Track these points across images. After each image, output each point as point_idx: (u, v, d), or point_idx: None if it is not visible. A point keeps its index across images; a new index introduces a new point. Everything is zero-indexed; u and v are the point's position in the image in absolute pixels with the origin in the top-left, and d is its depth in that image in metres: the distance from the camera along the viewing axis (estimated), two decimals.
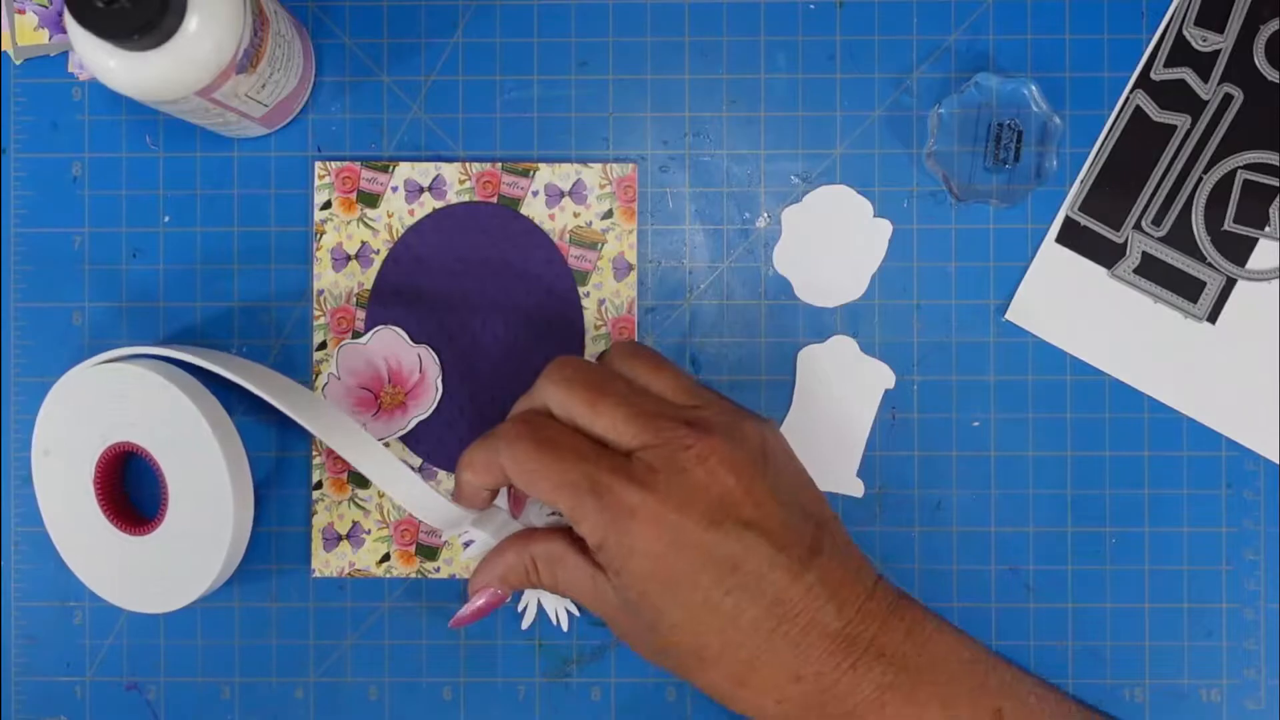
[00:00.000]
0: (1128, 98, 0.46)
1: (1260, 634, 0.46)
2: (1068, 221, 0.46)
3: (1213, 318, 0.46)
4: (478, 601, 0.43)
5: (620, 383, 0.40)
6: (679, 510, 0.38)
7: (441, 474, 0.46)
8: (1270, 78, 0.46)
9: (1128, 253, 0.46)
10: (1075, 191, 0.46)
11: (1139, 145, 0.46)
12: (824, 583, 0.39)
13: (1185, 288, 0.46)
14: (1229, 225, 0.46)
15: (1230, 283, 0.46)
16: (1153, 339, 0.46)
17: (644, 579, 0.38)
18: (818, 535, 0.39)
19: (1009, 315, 0.46)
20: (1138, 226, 0.46)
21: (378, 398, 0.46)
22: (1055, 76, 0.46)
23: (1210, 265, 0.46)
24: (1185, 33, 0.46)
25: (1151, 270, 0.46)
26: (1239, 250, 0.46)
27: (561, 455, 0.39)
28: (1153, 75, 0.46)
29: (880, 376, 0.46)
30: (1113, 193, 0.46)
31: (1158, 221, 0.46)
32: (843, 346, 0.46)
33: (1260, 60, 0.46)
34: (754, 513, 0.38)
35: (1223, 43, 0.46)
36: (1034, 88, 0.45)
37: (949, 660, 0.40)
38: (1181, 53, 0.46)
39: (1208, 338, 0.46)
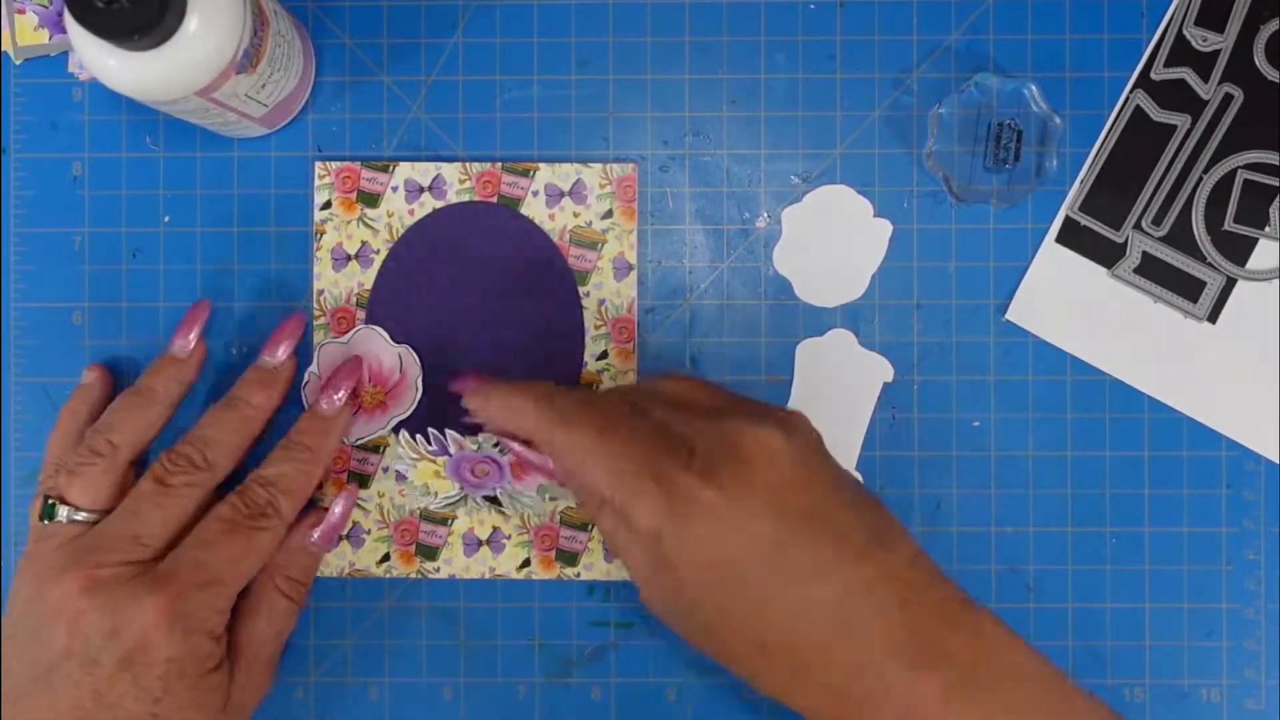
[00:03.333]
0: (1128, 97, 0.46)
1: (1260, 634, 0.46)
2: (1068, 221, 0.46)
3: (1213, 318, 0.46)
4: (541, 462, 0.43)
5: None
6: (741, 502, 0.37)
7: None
8: (1270, 78, 0.46)
9: (1128, 252, 0.46)
10: (1075, 191, 0.46)
11: (1139, 145, 0.46)
12: (886, 577, 0.37)
13: (1185, 288, 0.46)
14: (1229, 225, 0.46)
15: (1230, 283, 0.46)
16: (1153, 339, 0.46)
17: (701, 569, 0.37)
18: (878, 528, 0.38)
19: (1009, 315, 0.46)
20: (1138, 226, 0.46)
21: (358, 397, 0.46)
22: (1055, 76, 0.46)
23: (1210, 265, 0.46)
24: (1185, 32, 0.46)
25: (1152, 270, 0.46)
26: (1239, 250, 0.46)
27: (623, 440, 0.38)
28: (1153, 75, 0.46)
29: (879, 370, 0.46)
30: (1113, 192, 0.46)
31: (1158, 221, 0.46)
32: (841, 340, 0.46)
33: (1260, 60, 0.46)
34: (816, 504, 0.37)
35: (1223, 43, 0.46)
36: (1034, 88, 0.45)
37: (1019, 672, 0.38)
38: (1182, 52, 0.46)
39: (1208, 338, 0.46)
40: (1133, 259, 0.46)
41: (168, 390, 0.43)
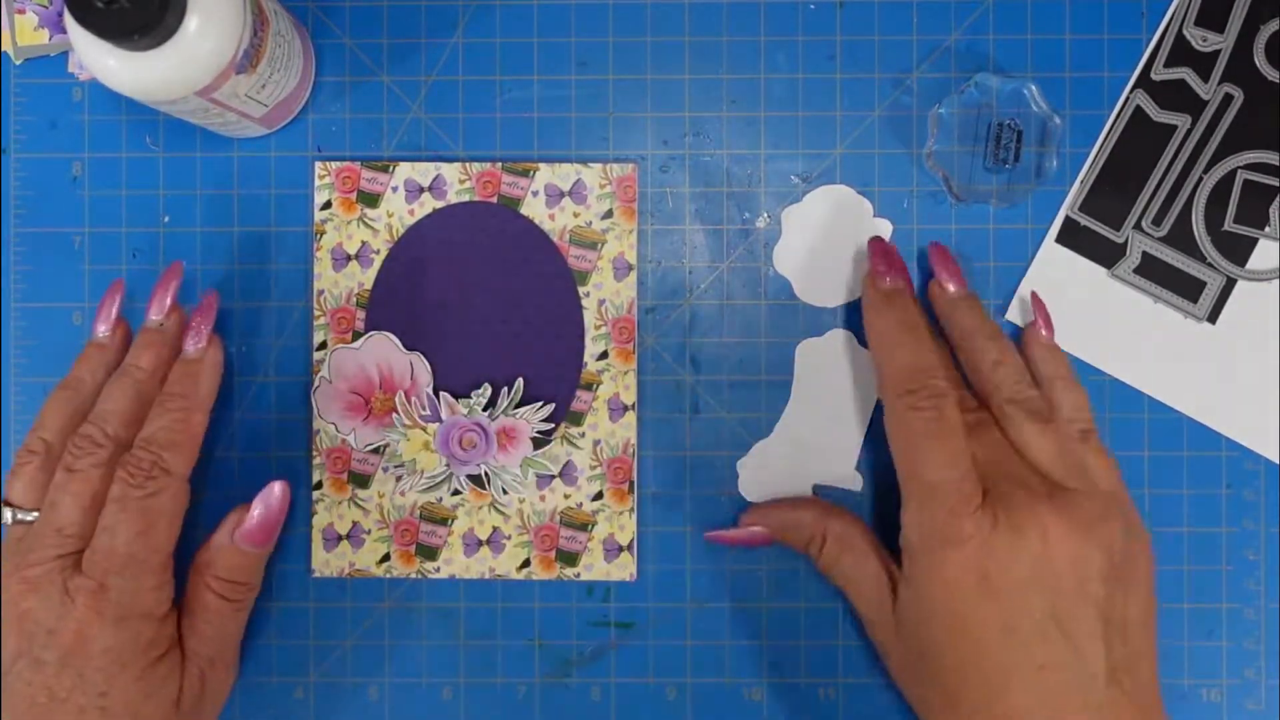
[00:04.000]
0: (1128, 97, 0.46)
1: (1260, 634, 0.46)
2: (1068, 221, 0.46)
3: (1213, 318, 0.46)
4: (748, 532, 0.44)
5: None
6: (1076, 536, 0.38)
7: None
8: (1270, 78, 0.46)
9: (1128, 253, 0.46)
10: (1075, 191, 0.46)
11: (1139, 145, 0.46)
12: (1130, 698, 0.38)
13: (1185, 288, 0.46)
14: (1229, 225, 0.46)
15: (1230, 283, 0.46)
16: (1153, 339, 0.46)
17: (963, 591, 0.38)
18: (1144, 664, 0.39)
19: (1009, 315, 0.46)
20: (1138, 226, 0.46)
21: (368, 402, 0.46)
22: (1055, 76, 0.46)
23: (1210, 265, 0.46)
24: (1185, 33, 0.46)
25: (1152, 270, 0.46)
26: (1239, 250, 0.46)
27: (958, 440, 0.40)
28: (1153, 75, 0.46)
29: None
30: (1113, 193, 0.46)
31: (1158, 221, 0.46)
32: (841, 340, 0.46)
33: (1260, 60, 0.46)
34: (1124, 592, 0.38)
35: (1223, 43, 0.46)
36: (1034, 88, 0.45)
37: None
38: (1182, 53, 0.46)
39: (1208, 338, 0.46)
40: (1133, 259, 0.46)
41: (94, 377, 0.43)
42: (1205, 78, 0.46)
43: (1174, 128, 0.46)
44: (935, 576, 0.38)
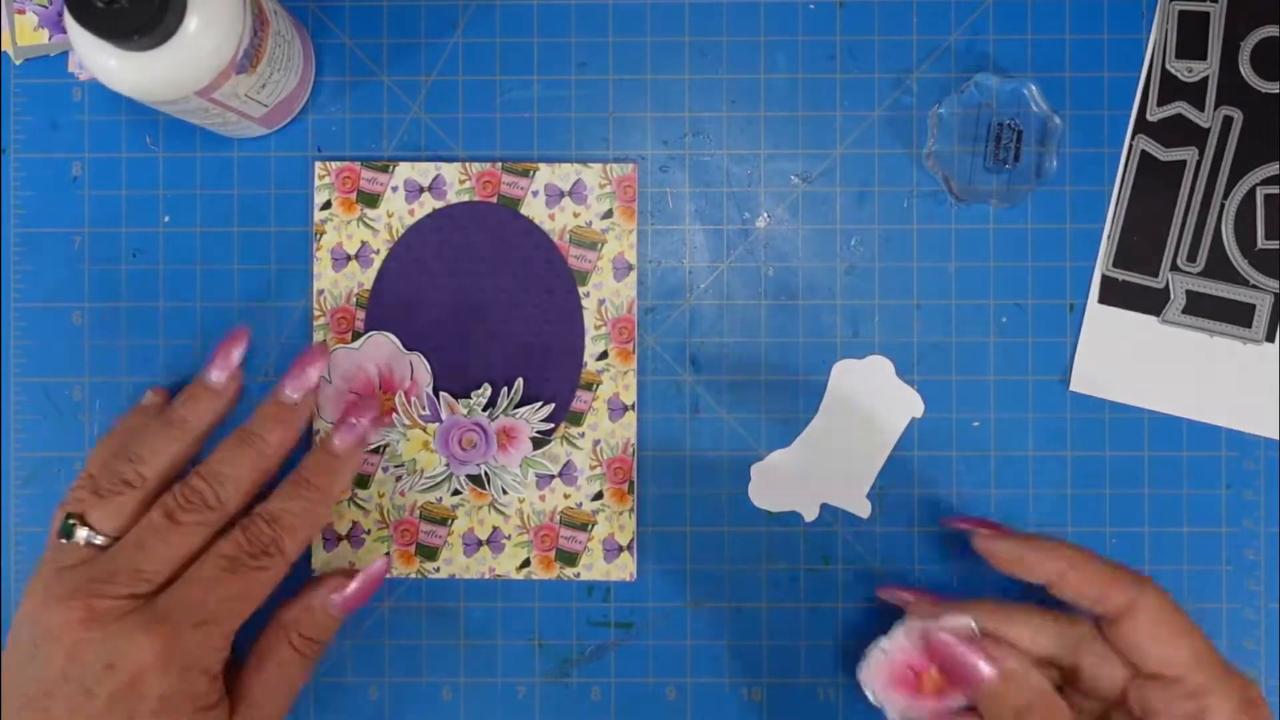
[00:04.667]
0: (1131, 145, 0.46)
1: (1260, 634, 0.46)
2: (1105, 280, 0.46)
3: (1271, 336, 0.46)
4: (974, 665, 0.39)
5: None
6: None
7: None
8: (1264, 90, 0.46)
9: (1172, 295, 0.46)
10: (1105, 250, 0.46)
11: (1154, 188, 0.46)
12: None
13: (1236, 315, 0.46)
14: (1262, 244, 0.46)
15: (1279, 299, 0.46)
16: (1219, 372, 0.46)
17: None
18: None
19: (1073, 387, 0.46)
20: (1174, 267, 0.46)
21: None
22: (1055, 76, 0.46)
23: (1255, 287, 0.46)
24: (1170, 68, 0.46)
25: (1199, 306, 0.46)
26: (1278, 264, 0.46)
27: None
28: (1149, 117, 0.46)
29: (910, 404, 0.46)
30: (1141, 241, 0.46)
31: (1192, 257, 0.45)
32: (879, 367, 0.46)
33: (1250, 76, 0.46)
34: None
35: (1208, 69, 0.46)
36: (1034, 88, 0.45)
37: None
38: (1172, 88, 0.46)
39: (1272, 357, 0.46)
40: (1178, 301, 0.46)
41: (200, 421, 0.42)
42: (1200, 107, 0.46)
43: (1183, 163, 0.46)
44: None
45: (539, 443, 0.46)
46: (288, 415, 0.43)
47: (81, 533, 0.40)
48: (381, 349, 0.46)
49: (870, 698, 0.40)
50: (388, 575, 0.46)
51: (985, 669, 0.38)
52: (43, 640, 0.39)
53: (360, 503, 0.46)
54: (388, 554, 0.44)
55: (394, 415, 0.45)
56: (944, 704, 0.39)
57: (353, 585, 0.43)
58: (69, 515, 0.41)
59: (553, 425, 0.46)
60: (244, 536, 0.41)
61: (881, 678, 0.40)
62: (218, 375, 0.43)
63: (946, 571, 0.46)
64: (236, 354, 0.43)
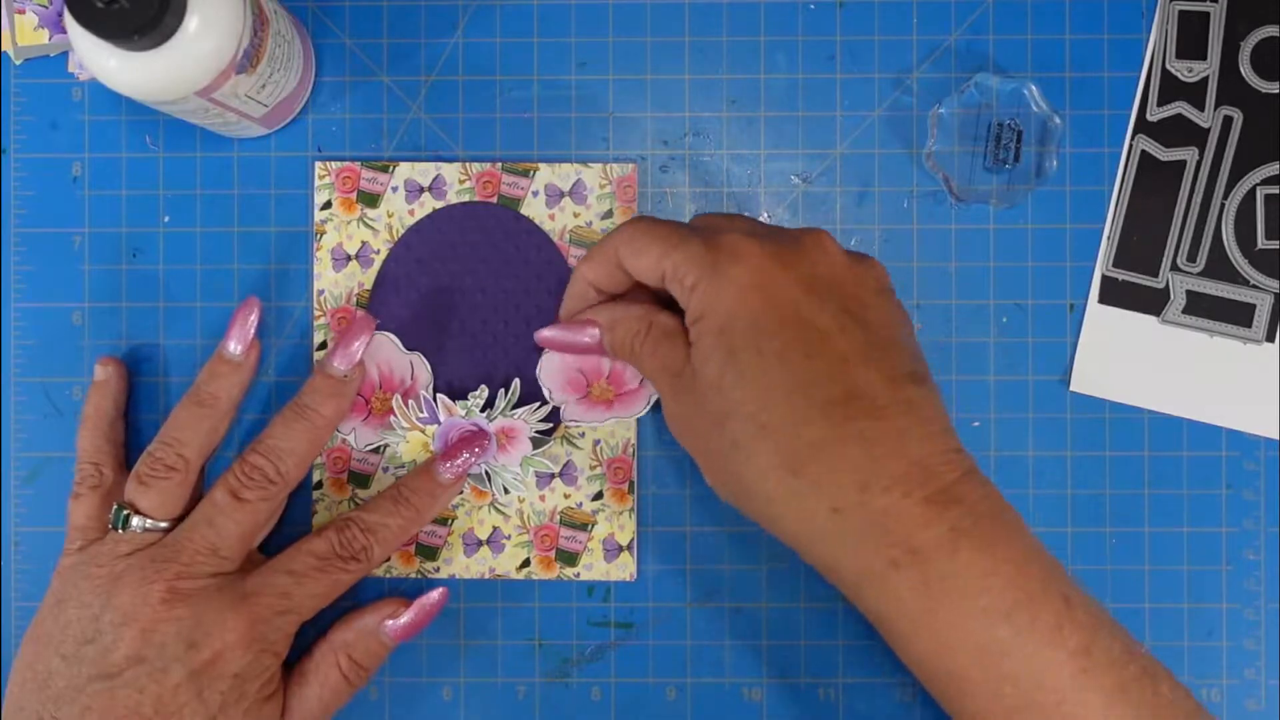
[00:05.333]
0: (1131, 145, 0.46)
1: (1260, 634, 0.46)
2: (1105, 280, 0.46)
3: (1271, 336, 0.46)
4: (578, 324, 0.42)
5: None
6: (783, 265, 0.36)
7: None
8: (1264, 90, 0.46)
9: (1172, 295, 0.46)
10: (1105, 250, 0.46)
11: (1154, 188, 0.46)
12: (914, 408, 0.36)
13: (1236, 315, 0.46)
14: (1262, 243, 0.46)
15: (1279, 298, 0.46)
16: (1219, 372, 0.46)
17: (729, 318, 0.36)
18: (919, 372, 0.37)
19: (1074, 387, 0.46)
20: (1174, 267, 0.46)
21: (368, 402, 0.46)
22: (1055, 76, 0.46)
23: (1255, 287, 0.46)
24: (1170, 68, 0.46)
25: (1199, 306, 0.46)
26: (1278, 264, 0.46)
27: (672, 226, 0.39)
28: (1149, 117, 0.46)
29: None
30: (1141, 241, 0.46)
31: (1192, 257, 0.45)
32: None
33: (1249, 75, 0.46)
34: (861, 308, 0.37)
35: (1208, 69, 0.46)
36: (1034, 88, 0.45)
37: (1024, 533, 0.37)
38: (1171, 88, 0.46)
39: (1273, 357, 0.46)
40: (1178, 301, 0.46)
41: (228, 396, 0.43)
42: (1200, 106, 0.46)
43: (1183, 163, 0.46)
44: (725, 289, 0.37)
45: (539, 443, 0.46)
46: (339, 388, 0.43)
47: (136, 521, 0.41)
48: (381, 349, 0.46)
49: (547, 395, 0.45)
50: (388, 576, 0.46)
51: (589, 332, 0.42)
52: (108, 623, 0.39)
53: (360, 503, 0.46)
54: (445, 588, 0.44)
55: (391, 418, 0.45)
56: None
57: (407, 615, 0.43)
58: (119, 506, 0.41)
59: (552, 425, 0.46)
60: (340, 538, 0.42)
61: (557, 380, 0.45)
62: (235, 347, 0.43)
63: None
64: (252, 323, 0.43)
